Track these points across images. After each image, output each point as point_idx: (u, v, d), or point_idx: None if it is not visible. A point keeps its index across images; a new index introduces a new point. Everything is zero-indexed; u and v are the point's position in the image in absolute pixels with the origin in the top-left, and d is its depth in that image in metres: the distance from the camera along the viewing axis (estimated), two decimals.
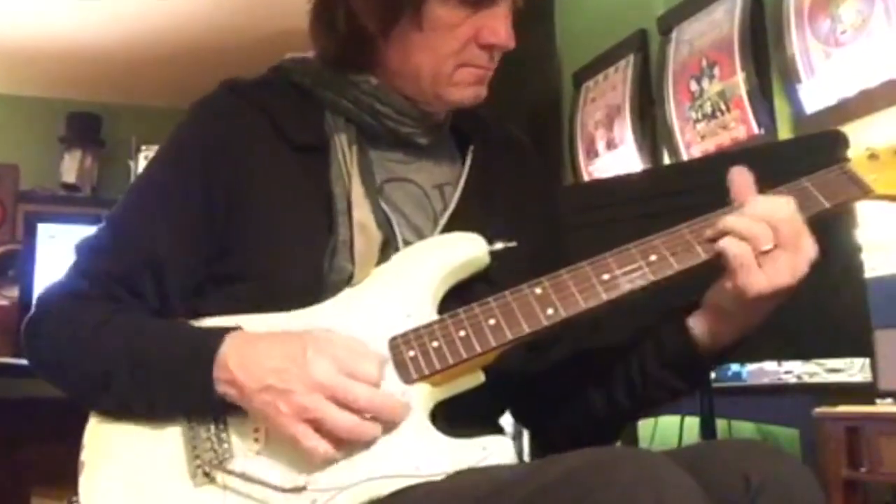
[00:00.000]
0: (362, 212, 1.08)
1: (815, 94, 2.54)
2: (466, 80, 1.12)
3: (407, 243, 1.11)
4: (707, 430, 1.86)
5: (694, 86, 3.00)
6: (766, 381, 2.62)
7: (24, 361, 1.13)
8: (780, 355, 2.11)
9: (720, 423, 1.98)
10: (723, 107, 2.87)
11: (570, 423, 1.19)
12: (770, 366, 2.58)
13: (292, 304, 1.05)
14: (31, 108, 5.24)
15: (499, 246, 1.10)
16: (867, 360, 2.21)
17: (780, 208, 1.02)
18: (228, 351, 0.99)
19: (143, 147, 4.55)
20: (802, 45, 2.58)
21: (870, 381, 2.20)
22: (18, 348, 1.22)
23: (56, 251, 3.00)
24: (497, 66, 1.15)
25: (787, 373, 2.57)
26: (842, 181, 1.08)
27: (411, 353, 1.02)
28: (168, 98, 4.27)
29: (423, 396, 1.01)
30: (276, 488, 0.97)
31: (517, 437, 2.18)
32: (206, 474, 0.99)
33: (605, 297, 1.02)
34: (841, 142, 1.55)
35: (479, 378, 1.05)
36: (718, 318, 1.07)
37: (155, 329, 1.07)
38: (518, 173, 1.25)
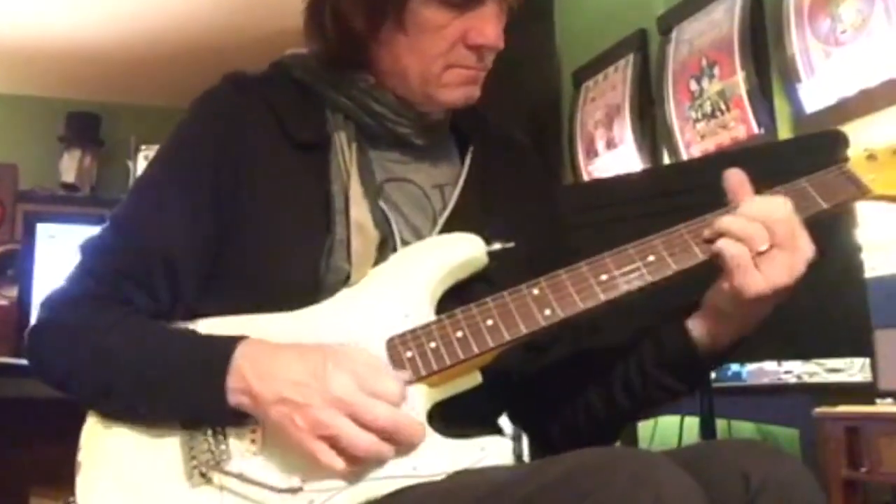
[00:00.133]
0: (360, 211, 1.08)
1: (815, 94, 2.53)
2: (456, 81, 1.12)
3: (405, 243, 1.11)
4: (707, 430, 1.85)
5: (694, 85, 3.00)
6: (765, 381, 2.62)
7: (22, 361, 1.13)
8: (780, 355, 2.11)
9: (720, 423, 1.98)
10: (722, 106, 2.86)
11: (569, 423, 1.19)
12: (770, 366, 2.58)
13: (289, 304, 1.04)
14: (31, 107, 5.24)
15: (497, 246, 1.09)
16: (867, 360, 2.21)
17: (777, 209, 1.02)
18: (243, 360, 0.98)
19: (143, 147, 4.54)
20: (802, 44, 2.57)
21: (870, 381, 2.20)
22: (17, 348, 1.22)
23: (55, 251, 3.00)
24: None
25: (786, 373, 2.56)
26: (840, 181, 1.08)
27: (409, 354, 1.01)
28: (167, 98, 4.27)
29: (420, 397, 1.01)
30: (273, 489, 0.97)
31: (517, 438, 2.18)
32: (203, 475, 0.98)
33: (602, 297, 1.02)
34: (841, 141, 1.54)
35: (477, 379, 1.04)
36: (717, 319, 1.06)
37: (163, 336, 1.05)
38: (517, 174, 1.25)
